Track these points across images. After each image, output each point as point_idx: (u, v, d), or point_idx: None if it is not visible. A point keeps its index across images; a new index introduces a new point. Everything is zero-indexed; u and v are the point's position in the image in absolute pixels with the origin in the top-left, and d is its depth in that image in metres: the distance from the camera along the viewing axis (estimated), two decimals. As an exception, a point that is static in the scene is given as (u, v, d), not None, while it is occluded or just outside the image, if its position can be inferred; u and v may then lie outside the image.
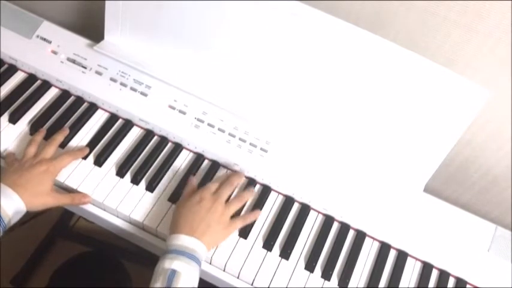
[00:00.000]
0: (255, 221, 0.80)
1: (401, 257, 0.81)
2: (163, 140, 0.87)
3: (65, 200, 0.78)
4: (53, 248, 1.36)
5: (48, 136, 0.84)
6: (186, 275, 0.65)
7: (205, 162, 0.86)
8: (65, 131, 0.84)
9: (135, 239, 0.80)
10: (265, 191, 0.84)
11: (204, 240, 0.70)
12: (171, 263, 0.65)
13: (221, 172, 0.85)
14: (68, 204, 0.79)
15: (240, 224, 0.77)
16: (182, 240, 0.69)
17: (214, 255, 0.75)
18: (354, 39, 0.75)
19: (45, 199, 0.75)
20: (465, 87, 0.73)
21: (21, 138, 0.84)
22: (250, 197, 0.81)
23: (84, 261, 1.01)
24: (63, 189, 0.80)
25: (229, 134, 0.85)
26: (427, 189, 0.83)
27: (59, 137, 0.83)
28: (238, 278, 0.76)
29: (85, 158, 0.83)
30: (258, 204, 0.82)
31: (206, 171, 0.84)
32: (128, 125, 0.88)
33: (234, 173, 0.83)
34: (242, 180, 0.83)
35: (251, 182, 0.84)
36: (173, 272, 0.65)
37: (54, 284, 0.94)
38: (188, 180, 0.80)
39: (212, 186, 0.78)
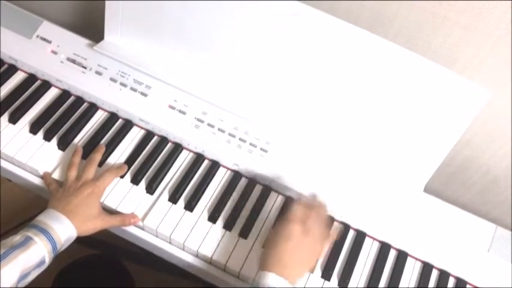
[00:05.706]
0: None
1: (401, 257, 0.81)
2: (163, 140, 0.87)
3: (114, 222, 0.75)
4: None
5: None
6: None
7: (205, 162, 0.86)
8: (102, 149, 0.82)
9: (135, 239, 0.80)
10: (265, 191, 0.84)
11: (294, 279, 0.66)
12: None
13: (221, 172, 0.85)
14: (118, 226, 0.77)
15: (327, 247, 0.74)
16: (272, 281, 0.65)
17: (214, 255, 0.76)
18: (354, 39, 0.75)
19: (95, 223, 0.73)
20: (465, 87, 0.73)
21: (21, 137, 0.84)
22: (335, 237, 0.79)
23: (88, 263, 1.00)
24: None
25: (229, 134, 0.85)
26: (427, 190, 0.83)
27: (97, 156, 0.81)
28: (238, 278, 0.76)
29: (84, 158, 0.82)
30: (258, 204, 0.82)
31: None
32: (128, 125, 0.88)
33: (320, 205, 0.76)
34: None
35: (251, 182, 0.84)
36: None
37: (57, 286, 0.94)
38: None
39: (299, 213, 0.72)
